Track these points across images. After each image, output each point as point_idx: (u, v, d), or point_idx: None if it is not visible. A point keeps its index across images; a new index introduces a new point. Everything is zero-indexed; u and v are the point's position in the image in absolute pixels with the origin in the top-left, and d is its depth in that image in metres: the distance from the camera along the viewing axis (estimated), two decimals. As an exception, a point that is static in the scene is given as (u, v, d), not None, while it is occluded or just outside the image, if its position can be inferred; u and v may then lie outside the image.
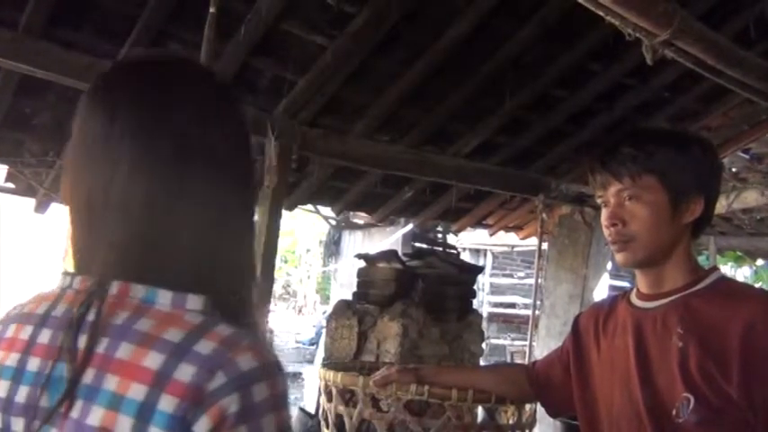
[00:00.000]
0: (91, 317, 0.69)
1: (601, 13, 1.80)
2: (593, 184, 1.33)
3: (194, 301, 0.70)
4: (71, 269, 0.75)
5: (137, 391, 0.64)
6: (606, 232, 1.30)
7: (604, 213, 1.30)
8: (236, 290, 0.75)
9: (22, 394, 0.69)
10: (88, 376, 0.67)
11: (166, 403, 0.63)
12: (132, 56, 0.81)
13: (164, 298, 0.70)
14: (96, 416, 0.65)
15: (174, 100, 0.75)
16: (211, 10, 2.03)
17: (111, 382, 0.66)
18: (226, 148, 0.76)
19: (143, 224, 0.71)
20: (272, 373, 0.68)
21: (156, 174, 0.71)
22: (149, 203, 0.71)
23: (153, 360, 0.65)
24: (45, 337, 0.71)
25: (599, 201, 1.33)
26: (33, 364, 0.70)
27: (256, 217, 0.85)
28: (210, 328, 0.68)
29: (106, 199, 0.72)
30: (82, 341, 0.68)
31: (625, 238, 1.26)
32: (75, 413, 0.66)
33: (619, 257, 1.29)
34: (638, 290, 1.34)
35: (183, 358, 0.65)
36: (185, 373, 0.64)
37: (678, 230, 1.27)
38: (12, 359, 0.72)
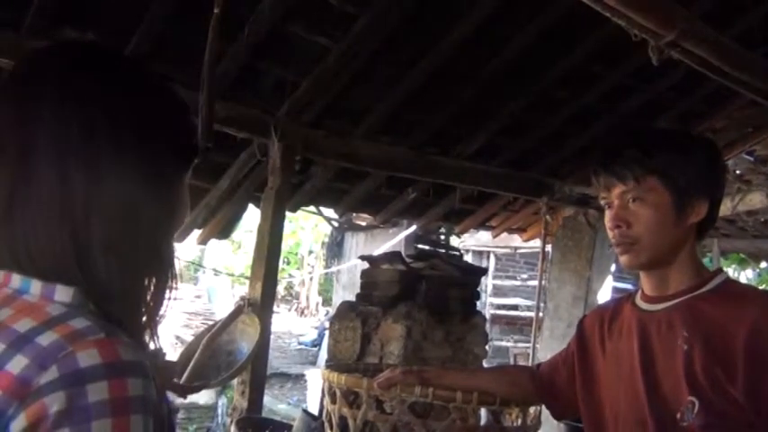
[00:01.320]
0: None
1: (607, 14, 1.79)
2: (596, 186, 1.33)
3: (63, 293, 0.66)
4: None
5: None
6: (610, 234, 1.29)
7: (608, 215, 1.29)
8: (132, 286, 0.70)
9: None
10: None
11: None
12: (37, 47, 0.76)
13: (35, 288, 0.67)
14: None
15: (43, 86, 0.70)
16: (215, 11, 2.02)
17: None
18: (136, 142, 0.70)
19: (16, 214, 0.68)
20: (120, 374, 0.61)
21: (16, 164, 0.68)
22: (15, 193, 0.68)
23: None
24: None
25: (602, 203, 1.32)
26: None
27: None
28: (65, 320, 0.64)
29: None
30: None
31: (629, 240, 1.25)
32: None
33: (623, 260, 1.28)
34: (642, 292, 1.33)
35: (21, 349, 0.61)
36: (17, 364, 0.60)
37: (682, 232, 1.26)
38: None
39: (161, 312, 0.75)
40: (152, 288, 0.73)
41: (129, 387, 0.61)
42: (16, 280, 0.67)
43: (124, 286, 0.70)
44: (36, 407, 0.58)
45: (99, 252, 0.68)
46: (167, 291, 0.75)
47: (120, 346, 0.63)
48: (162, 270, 0.74)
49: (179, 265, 0.80)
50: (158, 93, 0.77)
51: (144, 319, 0.73)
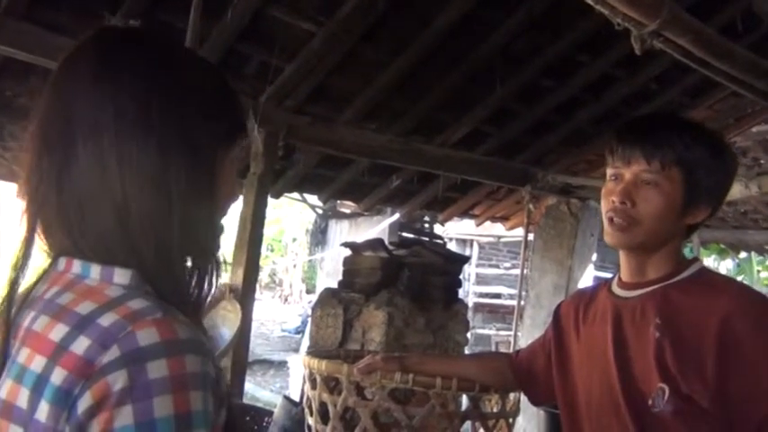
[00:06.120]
0: (37, 293, 0.70)
1: (590, 2, 1.79)
2: (612, 153, 1.27)
3: (121, 275, 0.68)
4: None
5: (37, 363, 0.63)
6: (608, 206, 1.25)
7: (612, 187, 1.25)
8: (172, 266, 0.71)
9: None
10: (14, 349, 0.67)
11: (56, 376, 0.61)
12: (87, 36, 0.76)
13: (94, 272, 0.69)
14: (5, 388, 0.65)
15: (79, 70, 0.71)
16: (197, -7, 2.00)
17: (23, 355, 0.65)
18: (165, 119, 0.70)
19: (65, 198, 0.69)
20: (178, 352, 0.62)
21: (59, 148, 0.69)
22: (62, 178, 0.69)
23: (57, 332, 0.64)
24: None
25: (610, 172, 1.27)
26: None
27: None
28: (124, 301, 0.65)
29: (43, 178, 0.70)
30: (21, 317, 0.69)
31: (629, 219, 1.23)
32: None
33: (615, 236, 1.25)
34: (619, 278, 1.33)
35: (84, 330, 0.63)
36: (81, 345, 0.62)
37: (678, 228, 1.26)
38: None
39: (202, 297, 0.74)
40: (194, 272, 0.74)
41: (188, 364, 0.62)
42: (77, 265, 0.69)
43: (165, 268, 0.70)
44: (100, 385, 0.60)
45: (140, 232, 0.68)
46: (209, 276, 0.75)
47: (178, 325, 0.64)
48: (201, 254, 0.74)
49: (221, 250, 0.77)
50: (191, 67, 0.76)
51: (196, 302, 0.73)
